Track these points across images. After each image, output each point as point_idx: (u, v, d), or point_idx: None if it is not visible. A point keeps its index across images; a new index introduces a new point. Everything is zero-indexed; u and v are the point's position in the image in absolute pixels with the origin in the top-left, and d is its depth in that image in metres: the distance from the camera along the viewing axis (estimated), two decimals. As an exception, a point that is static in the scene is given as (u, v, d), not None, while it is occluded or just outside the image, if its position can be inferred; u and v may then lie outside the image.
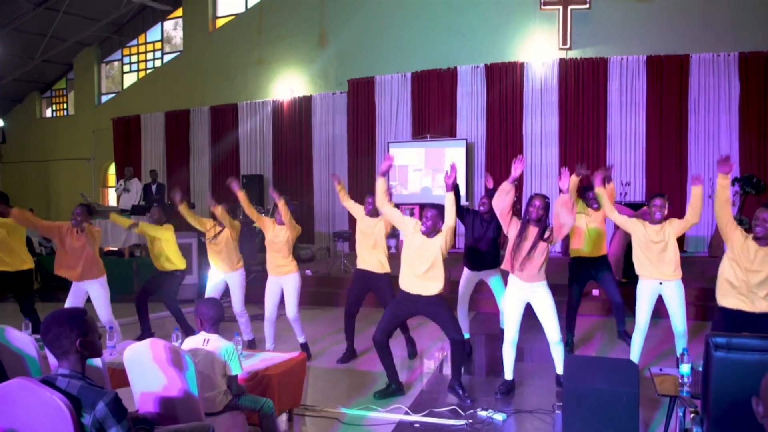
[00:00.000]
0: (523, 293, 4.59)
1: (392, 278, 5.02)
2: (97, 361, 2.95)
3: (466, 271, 5.69)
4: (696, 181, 4.64)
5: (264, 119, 13.14)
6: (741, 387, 2.59)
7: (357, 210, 5.67)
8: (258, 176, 12.38)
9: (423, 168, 11.11)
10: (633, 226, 4.85)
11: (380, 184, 4.69)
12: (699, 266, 8.20)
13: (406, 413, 4.31)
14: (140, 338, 5.88)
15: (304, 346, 5.76)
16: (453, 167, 4.47)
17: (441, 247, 4.43)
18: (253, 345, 6.02)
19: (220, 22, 14.26)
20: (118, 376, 3.51)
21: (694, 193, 4.66)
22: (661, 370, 3.86)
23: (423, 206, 4.68)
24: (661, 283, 4.75)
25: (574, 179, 5.08)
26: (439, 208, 4.48)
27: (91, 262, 5.44)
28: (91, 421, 2.05)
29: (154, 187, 11.01)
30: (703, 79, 10.12)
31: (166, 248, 6.25)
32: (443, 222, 4.45)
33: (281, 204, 5.53)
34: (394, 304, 4.72)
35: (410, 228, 4.55)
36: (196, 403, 2.87)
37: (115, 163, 15.21)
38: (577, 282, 5.76)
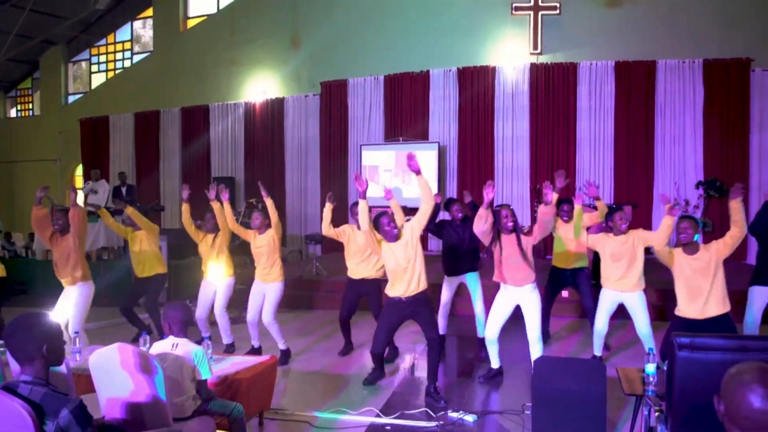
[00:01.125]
0: (513, 297, 4.79)
1: (383, 282, 5.08)
2: (62, 367, 2.89)
3: (445, 277, 5.84)
4: (672, 211, 4.72)
5: (236, 121, 13.03)
6: (704, 386, 2.65)
7: (346, 231, 5.77)
8: (230, 178, 12.26)
9: (393, 168, 11.14)
10: (602, 244, 5.03)
11: (363, 206, 4.64)
12: (664, 268, 8.35)
13: (378, 416, 4.31)
14: (135, 339, 6.04)
15: (285, 353, 5.73)
16: (410, 155, 4.52)
17: (411, 243, 4.56)
18: (231, 348, 5.99)
19: (191, 23, 14.11)
20: (84, 382, 3.45)
21: (665, 223, 4.75)
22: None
23: (378, 216, 4.67)
24: (622, 292, 4.97)
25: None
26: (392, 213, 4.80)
27: (74, 267, 5.34)
28: (54, 428, 2.01)
29: (124, 189, 10.82)
30: (669, 85, 10.35)
31: (150, 250, 6.29)
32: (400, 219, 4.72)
33: (269, 203, 5.50)
34: (385, 316, 4.81)
35: (383, 245, 4.65)
36: (164, 409, 2.83)
37: (83, 164, 14.91)
38: (551, 289, 6.05)
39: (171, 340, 3.28)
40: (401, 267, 4.56)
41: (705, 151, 10.21)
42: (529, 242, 4.72)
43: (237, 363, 4.02)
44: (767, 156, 10.08)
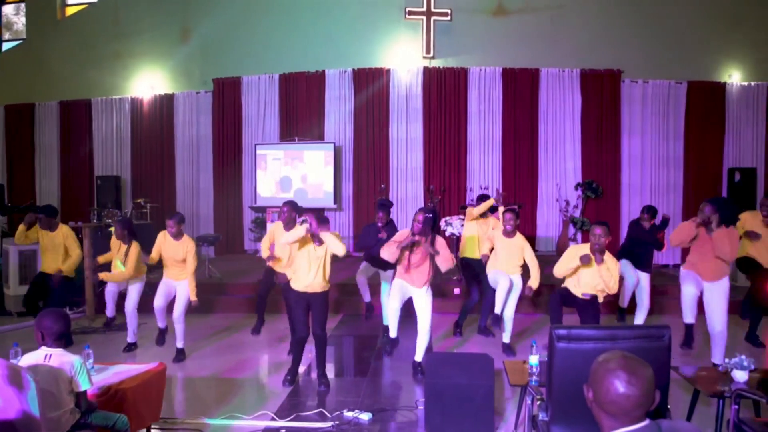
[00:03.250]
0: (405, 289, 5.30)
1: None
2: None
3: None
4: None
5: (122, 117, 12.32)
6: (579, 374, 2.84)
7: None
8: (114, 177, 11.57)
9: (282, 158, 11.05)
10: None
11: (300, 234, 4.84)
12: (549, 266, 8.86)
13: (273, 419, 4.26)
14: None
15: (181, 352, 5.87)
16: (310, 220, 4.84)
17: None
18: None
19: (70, 10, 13.17)
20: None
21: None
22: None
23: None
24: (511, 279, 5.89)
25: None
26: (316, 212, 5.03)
27: None
28: None
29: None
30: (551, 92, 11.01)
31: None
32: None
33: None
34: (293, 306, 5.09)
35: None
36: (38, 425, 2.63)
37: (-56, 161, 13.51)
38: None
39: (44, 350, 3.06)
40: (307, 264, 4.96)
41: (583, 155, 10.95)
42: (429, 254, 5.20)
43: (121, 372, 3.81)
44: (636, 160, 10.99)
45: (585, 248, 4.94)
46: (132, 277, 6.08)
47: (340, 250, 4.82)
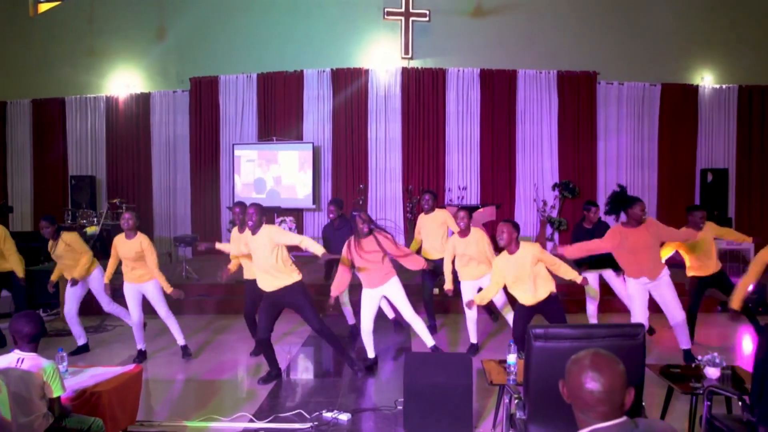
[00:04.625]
0: (375, 297, 5.34)
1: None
2: None
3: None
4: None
5: (97, 116, 12.13)
6: (556, 373, 2.87)
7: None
8: (90, 177, 11.40)
9: (256, 159, 11.00)
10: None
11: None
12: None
13: (251, 420, 4.24)
14: None
15: (185, 348, 5.94)
16: None
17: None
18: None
19: (43, 7, 12.91)
20: None
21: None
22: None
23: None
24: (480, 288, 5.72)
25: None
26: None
27: None
28: None
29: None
30: (528, 93, 11.11)
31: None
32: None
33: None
34: (261, 308, 5.09)
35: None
36: (9, 430, 2.59)
37: None
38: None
39: (16, 354, 3.00)
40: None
41: (560, 156, 11.07)
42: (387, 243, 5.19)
43: (96, 375, 3.77)
44: (612, 160, 11.16)
45: (502, 258, 4.84)
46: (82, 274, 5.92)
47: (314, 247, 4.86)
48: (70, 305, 5.98)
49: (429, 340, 5.36)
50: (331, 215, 6.67)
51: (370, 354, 5.49)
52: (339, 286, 5.34)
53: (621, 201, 5.16)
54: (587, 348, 1.88)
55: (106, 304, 6.15)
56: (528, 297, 4.74)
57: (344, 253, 5.23)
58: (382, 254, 5.15)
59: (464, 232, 5.64)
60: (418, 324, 5.34)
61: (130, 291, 5.71)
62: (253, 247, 4.93)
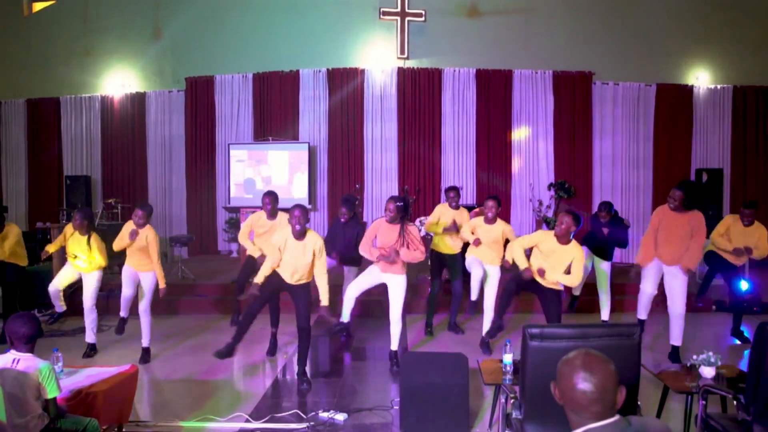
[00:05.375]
0: (377, 276, 5.38)
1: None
2: None
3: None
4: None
5: (92, 116, 12.08)
6: (552, 372, 2.88)
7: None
8: (85, 177, 11.35)
9: (246, 159, 10.99)
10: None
11: None
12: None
13: (247, 420, 4.23)
14: None
15: (146, 351, 5.80)
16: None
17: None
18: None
19: (37, 6, 12.86)
20: None
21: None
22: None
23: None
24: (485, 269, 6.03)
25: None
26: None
27: None
28: None
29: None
30: (524, 93, 11.13)
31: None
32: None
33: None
34: (264, 283, 5.00)
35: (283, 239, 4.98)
36: (4, 430, 2.58)
37: None
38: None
39: (12, 354, 3.00)
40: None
41: (555, 156, 11.09)
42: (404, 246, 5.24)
43: (92, 375, 3.76)
44: (607, 160, 11.18)
45: (549, 234, 5.10)
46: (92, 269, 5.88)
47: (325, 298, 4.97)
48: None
49: (395, 345, 5.41)
50: (343, 218, 6.46)
51: (345, 318, 5.52)
52: (369, 254, 5.32)
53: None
54: (583, 347, 1.88)
55: (90, 306, 5.90)
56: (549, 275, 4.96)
57: (390, 247, 5.23)
58: (405, 244, 5.19)
59: (491, 220, 5.95)
60: (396, 327, 5.37)
61: (128, 273, 5.87)
62: (291, 246, 4.92)
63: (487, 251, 6.00)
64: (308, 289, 5.10)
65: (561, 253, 4.91)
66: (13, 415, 2.76)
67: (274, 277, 5.01)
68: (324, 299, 4.95)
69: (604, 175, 11.17)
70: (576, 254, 4.88)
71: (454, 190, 6.54)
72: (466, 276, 6.32)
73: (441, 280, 6.75)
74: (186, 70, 11.59)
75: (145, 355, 5.78)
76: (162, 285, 5.79)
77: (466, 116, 11.13)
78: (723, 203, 10.87)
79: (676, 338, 5.47)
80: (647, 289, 5.69)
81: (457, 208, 6.52)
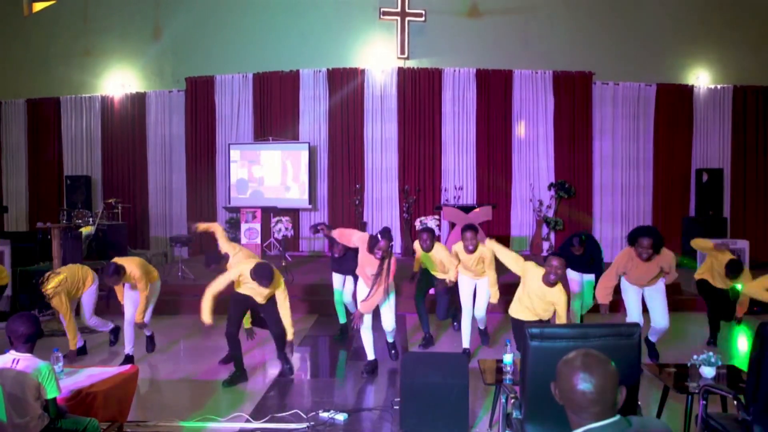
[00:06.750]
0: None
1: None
2: None
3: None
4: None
5: (92, 116, 12.10)
6: (552, 372, 2.88)
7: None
8: (85, 177, 11.37)
9: (239, 160, 10.99)
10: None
11: None
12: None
13: (248, 420, 4.23)
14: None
15: (129, 359, 5.58)
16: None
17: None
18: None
19: (37, 6, 12.88)
20: None
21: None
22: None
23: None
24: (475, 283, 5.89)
25: None
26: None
27: None
28: None
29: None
30: (524, 93, 11.14)
31: None
32: None
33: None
34: (232, 303, 5.19)
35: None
36: (4, 430, 2.58)
37: None
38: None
39: (12, 354, 2.99)
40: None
41: (555, 156, 11.09)
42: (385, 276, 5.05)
43: (93, 375, 3.75)
44: (607, 160, 11.19)
45: (539, 273, 4.54)
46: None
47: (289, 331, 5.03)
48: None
49: (371, 355, 5.34)
50: (337, 253, 6.10)
51: (370, 356, 5.33)
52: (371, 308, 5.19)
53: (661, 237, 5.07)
54: (583, 347, 1.88)
55: (88, 317, 5.89)
56: (521, 310, 4.66)
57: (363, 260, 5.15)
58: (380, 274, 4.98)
59: (471, 251, 5.63)
60: (368, 336, 5.29)
61: (127, 293, 5.72)
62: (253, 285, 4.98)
63: (474, 269, 5.79)
64: (273, 300, 5.14)
65: (544, 296, 4.48)
66: (13, 416, 2.76)
67: (242, 298, 5.15)
68: (289, 334, 5.02)
69: (604, 175, 11.17)
70: (559, 299, 4.40)
71: (428, 231, 5.94)
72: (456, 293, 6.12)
73: (425, 299, 6.36)
74: (186, 70, 11.59)
75: (128, 361, 5.51)
76: (139, 320, 5.53)
77: (466, 116, 11.13)
78: (723, 203, 10.88)
79: (654, 338, 5.49)
80: (632, 293, 5.36)
81: (428, 250, 5.88)
